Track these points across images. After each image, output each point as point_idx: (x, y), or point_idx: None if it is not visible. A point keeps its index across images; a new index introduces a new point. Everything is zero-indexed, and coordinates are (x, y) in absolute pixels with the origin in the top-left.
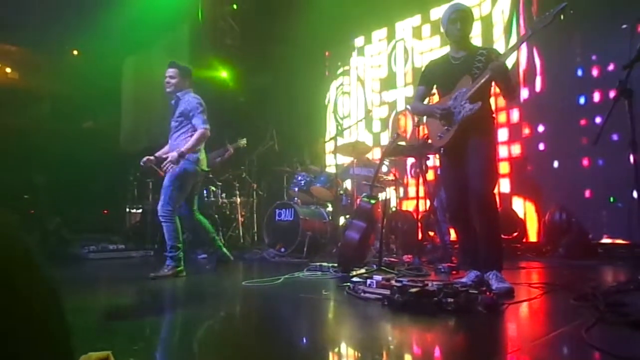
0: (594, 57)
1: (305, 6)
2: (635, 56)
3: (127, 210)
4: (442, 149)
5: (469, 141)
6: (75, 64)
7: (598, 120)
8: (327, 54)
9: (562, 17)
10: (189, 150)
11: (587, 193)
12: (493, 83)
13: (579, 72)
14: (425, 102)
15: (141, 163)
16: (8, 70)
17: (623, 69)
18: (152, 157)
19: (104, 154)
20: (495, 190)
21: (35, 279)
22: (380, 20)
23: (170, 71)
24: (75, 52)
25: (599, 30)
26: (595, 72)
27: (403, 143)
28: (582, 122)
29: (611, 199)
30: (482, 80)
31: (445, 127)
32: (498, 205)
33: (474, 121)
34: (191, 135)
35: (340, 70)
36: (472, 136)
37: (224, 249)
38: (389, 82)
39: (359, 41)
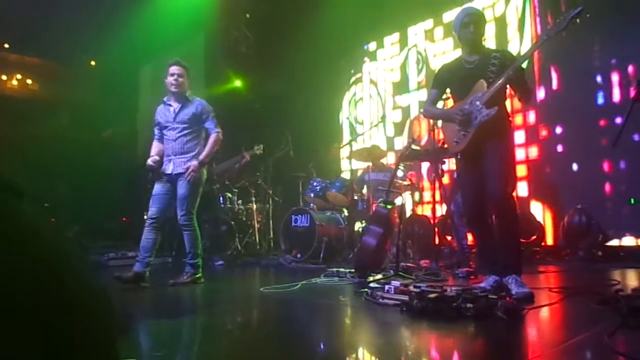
0: (613, 61)
1: (317, 13)
2: None
3: (145, 217)
4: (459, 154)
5: (486, 145)
6: (93, 75)
7: (618, 120)
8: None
9: (578, 20)
10: (208, 157)
11: (608, 195)
12: (508, 85)
13: (598, 74)
14: (439, 105)
15: (150, 162)
16: (29, 81)
17: None
18: (155, 159)
19: (122, 162)
20: (514, 194)
21: (86, 276)
22: (393, 26)
23: (178, 69)
24: (92, 63)
25: (616, 31)
26: (614, 73)
27: (417, 148)
28: (602, 122)
29: (631, 201)
30: (498, 84)
31: (462, 132)
32: (517, 209)
33: (490, 125)
34: (202, 140)
35: (352, 79)
36: (489, 140)
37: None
38: (402, 86)
39: (371, 46)
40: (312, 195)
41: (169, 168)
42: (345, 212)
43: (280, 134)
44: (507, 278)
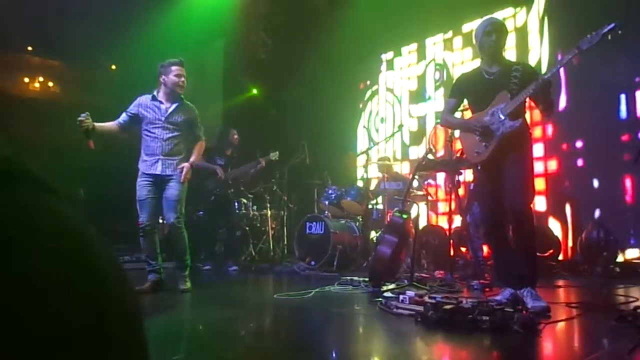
0: (637, 79)
1: (335, 22)
2: None
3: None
4: (478, 165)
5: (507, 156)
6: (113, 79)
7: None
8: (361, 86)
9: (609, 37)
10: (197, 160)
11: (629, 212)
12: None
13: (621, 89)
14: (458, 115)
15: (81, 116)
16: (50, 84)
17: None
18: (92, 125)
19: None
20: (532, 206)
21: (121, 270)
22: (411, 36)
23: (183, 70)
24: (113, 67)
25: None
26: (638, 90)
27: (433, 158)
28: (625, 137)
29: None
30: (522, 96)
31: (484, 144)
32: (534, 221)
33: (511, 137)
34: (189, 144)
35: (368, 94)
36: (510, 152)
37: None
38: (419, 95)
39: (388, 55)
40: (327, 202)
41: (157, 168)
42: (361, 220)
43: (297, 141)
44: (522, 291)
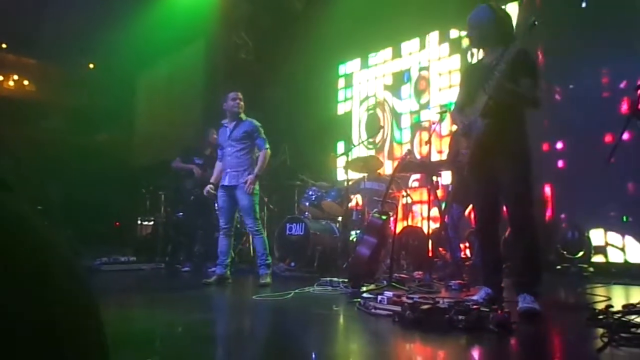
0: (622, 85)
1: (316, 22)
2: None
3: (139, 222)
4: (465, 169)
5: (499, 160)
6: (91, 77)
7: (626, 136)
8: (337, 85)
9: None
10: (260, 170)
11: (612, 211)
12: None
13: (605, 90)
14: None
15: (205, 193)
16: (26, 82)
17: (636, 89)
18: (212, 185)
19: (116, 166)
20: (533, 213)
21: (75, 271)
22: (387, 39)
23: (239, 94)
24: (91, 66)
25: (625, 48)
26: (624, 99)
27: (413, 160)
28: (607, 138)
29: (624, 219)
30: (483, 99)
31: (466, 145)
32: (536, 229)
33: (498, 137)
34: (254, 155)
35: (344, 97)
36: (500, 155)
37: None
38: (394, 90)
39: (363, 55)
40: (307, 204)
41: (226, 180)
42: (341, 221)
43: (277, 142)
44: (520, 295)
